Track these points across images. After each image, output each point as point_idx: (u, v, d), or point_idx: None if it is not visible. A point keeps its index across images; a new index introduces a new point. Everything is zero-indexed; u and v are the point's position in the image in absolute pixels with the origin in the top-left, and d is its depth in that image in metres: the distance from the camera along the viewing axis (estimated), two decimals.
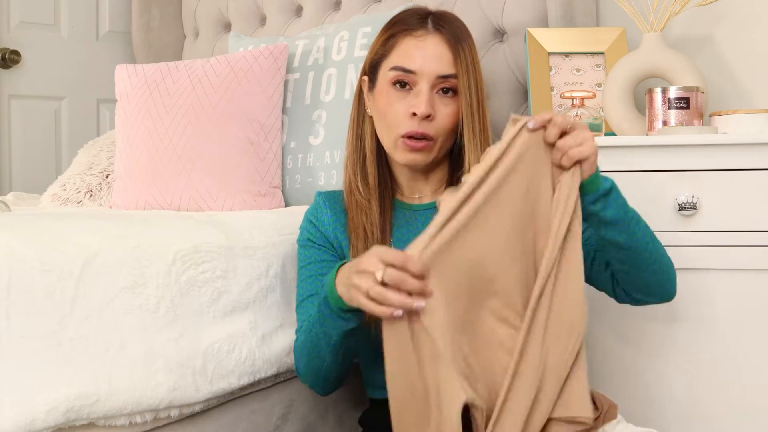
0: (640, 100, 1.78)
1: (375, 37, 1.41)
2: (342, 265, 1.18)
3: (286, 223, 1.53)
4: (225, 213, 1.66)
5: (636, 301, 1.34)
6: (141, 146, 1.86)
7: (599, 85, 1.89)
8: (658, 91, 1.63)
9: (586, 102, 1.65)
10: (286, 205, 1.86)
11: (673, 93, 1.62)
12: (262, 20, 2.62)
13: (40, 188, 2.34)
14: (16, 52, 2.66)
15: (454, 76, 1.32)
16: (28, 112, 2.72)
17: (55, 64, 2.79)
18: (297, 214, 1.60)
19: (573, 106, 1.64)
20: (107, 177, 2.14)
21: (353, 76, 1.86)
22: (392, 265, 1.05)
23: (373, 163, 1.39)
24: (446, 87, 1.33)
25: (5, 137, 2.67)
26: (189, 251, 1.31)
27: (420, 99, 1.31)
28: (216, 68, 1.87)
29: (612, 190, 1.21)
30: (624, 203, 1.24)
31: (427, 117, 1.31)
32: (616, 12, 2.02)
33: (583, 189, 1.17)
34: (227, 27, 2.70)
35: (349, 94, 1.85)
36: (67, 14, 2.82)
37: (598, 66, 1.91)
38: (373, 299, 1.06)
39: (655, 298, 1.34)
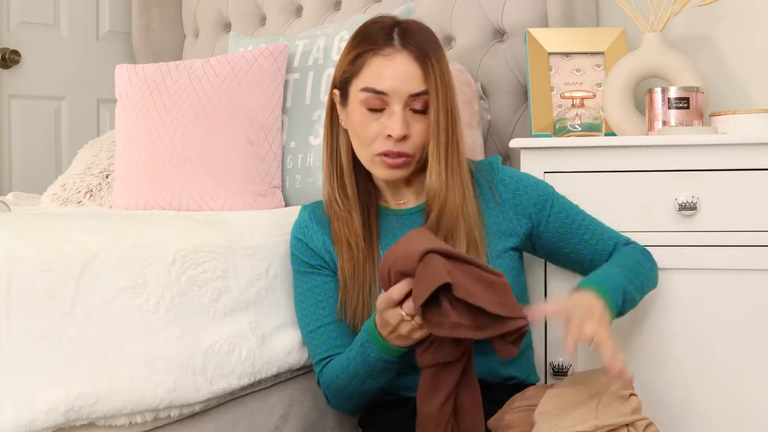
0: (640, 100, 1.78)
1: (343, 51, 1.38)
2: (372, 330, 1.27)
3: (286, 223, 1.53)
4: (225, 213, 1.66)
5: None
6: (141, 146, 1.86)
7: (599, 85, 1.89)
8: (658, 91, 1.63)
9: (586, 102, 1.65)
10: (286, 205, 1.86)
11: (673, 93, 1.62)
12: (262, 20, 2.62)
13: (40, 188, 2.34)
14: (16, 52, 2.66)
15: (426, 92, 1.31)
16: (28, 112, 2.72)
17: (55, 64, 2.79)
18: (297, 214, 1.60)
19: (573, 106, 1.64)
20: (107, 177, 2.14)
21: None
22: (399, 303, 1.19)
23: (351, 175, 1.39)
24: (417, 107, 1.31)
25: (5, 137, 2.67)
26: (189, 251, 1.31)
27: (394, 120, 1.30)
28: (216, 68, 1.87)
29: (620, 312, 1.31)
30: (626, 305, 1.33)
31: (402, 137, 1.31)
32: (616, 12, 2.02)
33: None
34: (227, 27, 2.70)
35: None
36: (67, 14, 2.82)
37: (598, 66, 1.91)
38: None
39: None
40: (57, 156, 2.79)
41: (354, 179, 1.39)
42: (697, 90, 1.63)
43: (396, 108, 1.30)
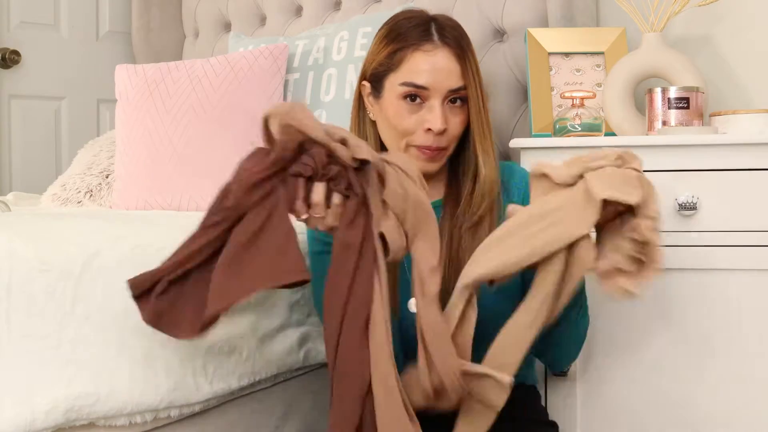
0: (640, 100, 1.78)
1: (374, 45, 1.40)
2: None
3: None
4: None
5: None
6: (141, 146, 1.86)
7: (599, 85, 1.89)
8: (658, 91, 1.63)
9: (586, 102, 1.65)
10: None
11: (673, 93, 1.62)
12: (262, 20, 2.62)
13: (40, 188, 2.34)
14: (16, 52, 2.66)
15: (464, 88, 1.34)
16: (28, 112, 2.72)
17: (55, 64, 2.79)
18: None
19: (573, 106, 1.64)
20: (107, 177, 2.14)
21: (353, 76, 1.86)
22: None
23: None
24: (455, 98, 1.34)
25: (5, 137, 2.67)
26: None
27: (434, 115, 1.32)
28: (216, 68, 1.87)
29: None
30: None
31: (442, 132, 1.33)
32: (616, 12, 2.02)
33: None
34: (227, 27, 2.70)
35: (349, 94, 1.85)
36: (67, 14, 2.82)
37: (598, 66, 1.91)
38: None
39: (549, 365, 1.47)
40: (57, 156, 2.79)
41: None
42: (697, 90, 1.63)
43: (435, 103, 1.33)
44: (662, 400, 1.56)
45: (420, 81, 1.33)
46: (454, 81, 1.33)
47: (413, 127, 1.34)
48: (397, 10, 1.90)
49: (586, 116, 1.63)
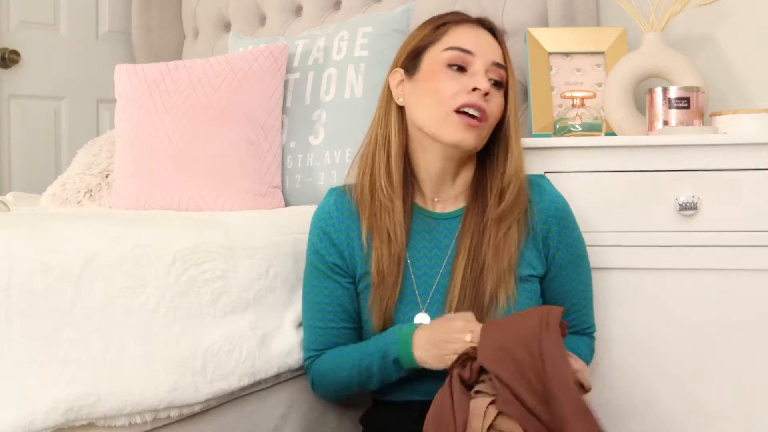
0: (641, 100, 1.78)
1: (411, 33, 1.42)
2: (413, 329, 1.28)
3: (286, 223, 1.53)
4: (225, 213, 1.66)
5: None
6: (141, 146, 1.86)
7: (600, 85, 1.89)
8: (658, 91, 1.63)
9: (586, 102, 1.65)
10: (286, 205, 1.86)
11: (673, 93, 1.62)
12: (262, 20, 2.62)
13: (40, 188, 2.34)
14: (15, 52, 2.66)
15: (505, 67, 1.37)
16: (28, 112, 2.72)
17: (55, 64, 2.79)
18: (297, 214, 1.60)
19: (573, 106, 1.64)
20: (107, 177, 2.14)
21: (353, 76, 1.86)
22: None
23: (399, 162, 1.38)
24: (496, 78, 1.36)
25: (5, 137, 2.67)
26: (189, 251, 1.31)
27: (479, 77, 1.33)
28: (216, 68, 1.87)
29: None
30: None
31: (486, 95, 1.33)
32: (617, 12, 2.02)
33: None
34: (227, 27, 2.70)
35: (349, 94, 1.84)
36: (67, 14, 2.82)
37: (599, 66, 1.91)
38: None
39: None
40: (57, 156, 2.79)
41: (401, 167, 1.38)
42: (697, 90, 1.63)
43: (479, 68, 1.34)
44: (661, 400, 1.56)
45: (466, 46, 1.34)
46: (498, 56, 1.36)
47: (456, 90, 1.32)
48: (398, 10, 1.91)
49: (586, 116, 1.63)
